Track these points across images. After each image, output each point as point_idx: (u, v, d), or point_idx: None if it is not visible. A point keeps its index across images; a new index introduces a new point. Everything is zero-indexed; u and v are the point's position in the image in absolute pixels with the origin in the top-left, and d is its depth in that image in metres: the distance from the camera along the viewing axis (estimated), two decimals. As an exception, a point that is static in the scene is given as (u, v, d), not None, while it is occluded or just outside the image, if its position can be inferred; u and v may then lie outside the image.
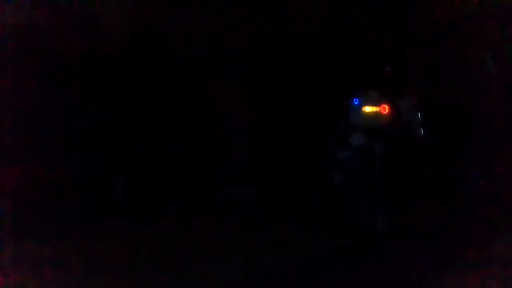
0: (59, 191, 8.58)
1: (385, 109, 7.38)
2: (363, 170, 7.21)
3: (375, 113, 7.36)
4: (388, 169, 7.29)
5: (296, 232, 8.22)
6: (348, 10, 10.87)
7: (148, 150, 10.22)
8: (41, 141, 8.52)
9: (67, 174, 8.84)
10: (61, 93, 8.83)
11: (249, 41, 11.07)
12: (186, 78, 10.70)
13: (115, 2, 9.66)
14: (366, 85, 7.60)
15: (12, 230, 7.17)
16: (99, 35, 9.39)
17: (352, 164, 7.22)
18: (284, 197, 11.01)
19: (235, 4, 10.58)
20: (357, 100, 7.38)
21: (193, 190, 10.31)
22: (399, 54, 11.63)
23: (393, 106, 7.43)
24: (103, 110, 9.50)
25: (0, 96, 8.07)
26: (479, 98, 11.72)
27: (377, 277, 5.97)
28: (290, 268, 6.35)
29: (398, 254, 6.91)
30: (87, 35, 9.22)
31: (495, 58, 11.46)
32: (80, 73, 9.06)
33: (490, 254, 6.73)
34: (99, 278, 5.75)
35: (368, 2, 11.09)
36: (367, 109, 7.37)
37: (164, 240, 7.72)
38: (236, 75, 11.47)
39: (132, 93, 10.03)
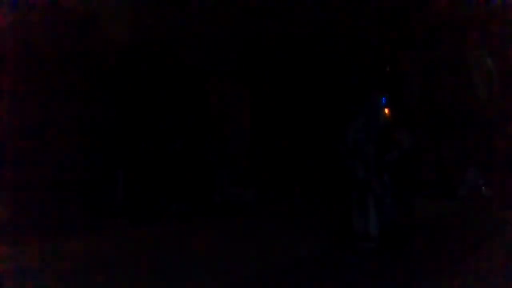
0: (59, 191, 8.58)
1: (388, 111, 7.45)
2: (402, 170, 7.22)
3: (386, 114, 7.45)
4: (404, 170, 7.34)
5: (295, 232, 8.21)
6: (349, 9, 10.87)
7: (149, 151, 10.22)
8: (41, 141, 8.51)
9: (67, 174, 8.84)
10: (61, 93, 8.83)
11: (250, 42, 11.08)
12: (187, 79, 10.71)
13: (116, 4, 9.66)
14: (375, 87, 7.62)
15: (12, 230, 7.18)
16: (100, 36, 9.39)
17: (397, 165, 7.18)
18: (284, 197, 11.01)
19: (237, 4, 10.58)
20: (384, 100, 7.42)
21: (193, 190, 10.31)
22: (399, 55, 11.63)
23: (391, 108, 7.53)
24: (103, 110, 9.50)
25: (0, 97, 8.07)
26: (479, 98, 11.72)
27: (377, 278, 5.97)
28: (290, 268, 6.35)
29: (399, 255, 6.91)
30: (88, 37, 9.21)
31: (495, 58, 11.46)
32: (80, 74, 9.06)
33: (490, 254, 6.74)
34: (99, 277, 5.75)
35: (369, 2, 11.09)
36: (386, 109, 7.45)
37: (164, 240, 7.71)
38: (237, 76, 11.48)
39: (133, 94, 10.03)
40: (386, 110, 7.39)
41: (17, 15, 8.26)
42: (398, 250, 6.97)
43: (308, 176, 11.26)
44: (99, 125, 9.40)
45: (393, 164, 7.14)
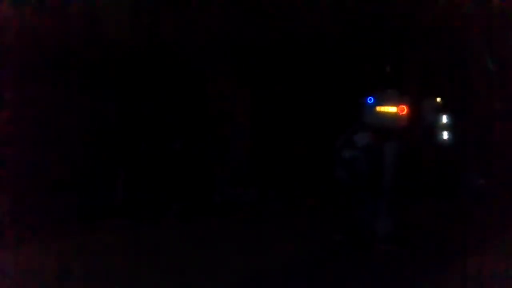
0: (59, 191, 8.57)
1: (403, 109, 7.15)
2: (367, 170, 7.07)
3: (392, 113, 7.16)
4: (394, 171, 7.13)
5: (296, 232, 8.21)
6: (349, 8, 10.85)
7: (149, 150, 10.22)
8: (41, 141, 8.51)
9: (67, 173, 8.83)
10: (61, 92, 8.82)
11: (250, 40, 11.06)
12: (187, 78, 10.70)
13: (115, 2, 9.66)
14: (381, 84, 7.43)
15: (12, 230, 7.17)
16: (99, 34, 9.39)
17: (356, 163, 7.07)
18: (284, 197, 11.00)
19: (236, 3, 10.57)
20: (372, 99, 7.16)
21: (193, 190, 10.31)
22: (401, 54, 11.60)
23: (413, 107, 7.21)
24: (103, 109, 9.50)
25: (1, 95, 8.07)
26: (479, 98, 11.71)
27: (377, 279, 5.97)
28: (290, 268, 6.35)
29: (399, 256, 6.90)
30: (87, 35, 9.21)
31: (495, 58, 11.46)
32: (80, 73, 9.06)
33: (490, 255, 6.73)
34: (99, 278, 5.75)
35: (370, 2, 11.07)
36: (382, 108, 7.16)
37: (164, 240, 7.71)
38: (237, 75, 11.46)
39: (133, 93, 10.03)
40: (381, 108, 7.19)
41: (17, 14, 8.26)
42: (393, 250, 6.98)
43: (308, 176, 11.24)
44: (98, 125, 9.40)
45: (349, 163, 7.08)
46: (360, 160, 6.98)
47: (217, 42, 10.79)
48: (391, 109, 7.11)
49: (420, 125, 7.42)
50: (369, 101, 7.12)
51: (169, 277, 5.86)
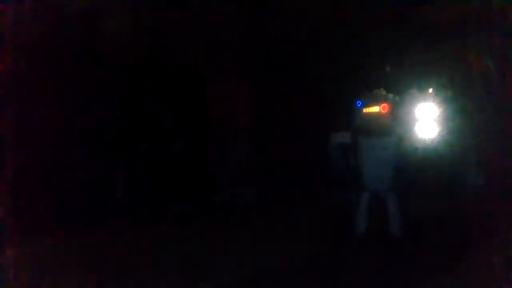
0: (59, 191, 8.58)
1: (385, 108, 7.28)
2: (344, 168, 7.29)
3: (375, 113, 7.28)
4: (391, 170, 7.21)
5: (296, 232, 8.22)
6: (347, 9, 10.86)
7: (149, 150, 10.22)
8: (42, 141, 8.51)
9: (68, 174, 8.84)
10: (62, 92, 8.83)
11: (249, 41, 11.08)
12: (187, 79, 10.71)
13: (115, 2, 9.66)
14: (370, 85, 7.55)
15: (12, 230, 7.18)
16: (99, 35, 9.39)
17: (333, 161, 7.29)
18: (284, 197, 11.00)
19: (236, 4, 10.59)
20: (360, 103, 7.34)
21: (194, 190, 10.31)
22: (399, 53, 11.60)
23: (394, 104, 7.32)
24: (104, 110, 9.50)
25: (1, 95, 8.07)
26: (478, 97, 11.71)
27: (376, 278, 5.98)
28: (290, 268, 6.36)
29: (396, 255, 6.92)
30: (87, 36, 9.22)
31: (495, 58, 11.45)
32: (80, 73, 9.06)
33: (490, 254, 6.73)
34: (99, 278, 5.76)
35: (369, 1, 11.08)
36: (367, 110, 7.31)
37: (164, 240, 7.72)
38: (237, 76, 11.47)
39: (133, 93, 10.03)
40: (366, 110, 7.29)
41: (16, 15, 8.26)
42: (393, 250, 6.99)
43: (308, 176, 11.25)
44: (99, 125, 9.40)
45: (332, 161, 7.33)
46: (337, 158, 7.24)
47: (217, 42, 10.80)
48: (374, 109, 7.28)
49: (408, 121, 7.53)
50: (358, 105, 7.32)
51: (169, 277, 5.87)
